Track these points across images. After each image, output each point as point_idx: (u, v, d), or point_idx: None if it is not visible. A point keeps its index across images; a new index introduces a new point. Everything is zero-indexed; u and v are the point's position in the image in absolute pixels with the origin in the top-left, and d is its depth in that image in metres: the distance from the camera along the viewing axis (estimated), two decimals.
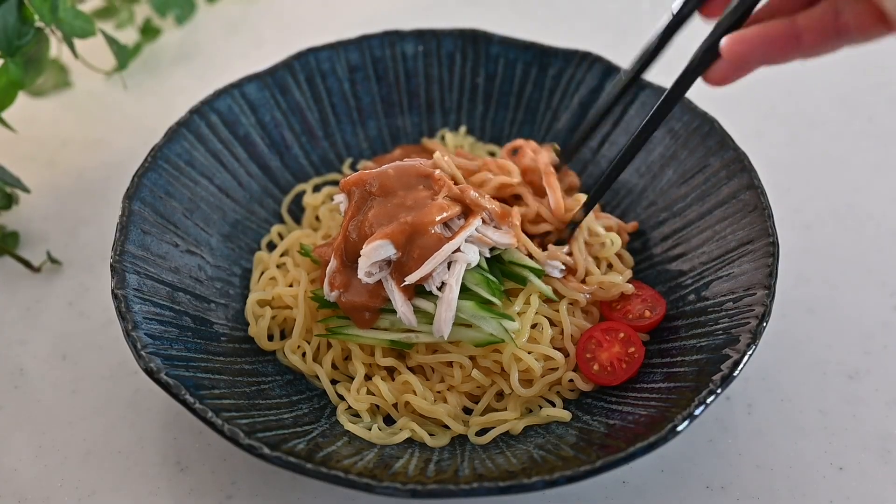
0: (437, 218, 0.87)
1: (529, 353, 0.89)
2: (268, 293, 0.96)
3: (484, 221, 0.91)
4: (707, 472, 0.87)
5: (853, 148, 1.20)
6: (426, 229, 0.86)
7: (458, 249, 0.87)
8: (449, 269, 0.88)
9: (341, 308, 0.90)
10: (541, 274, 0.92)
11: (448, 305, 0.86)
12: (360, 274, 0.87)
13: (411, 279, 0.86)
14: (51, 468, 0.89)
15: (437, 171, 0.91)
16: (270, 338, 0.95)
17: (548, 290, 0.92)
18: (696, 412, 0.78)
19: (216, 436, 0.88)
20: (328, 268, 0.90)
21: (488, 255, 0.91)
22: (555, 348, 0.91)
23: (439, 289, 0.87)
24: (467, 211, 0.90)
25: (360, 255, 0.87)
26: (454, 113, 1.14)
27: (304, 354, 0.93)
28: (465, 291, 0.88)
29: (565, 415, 0.88)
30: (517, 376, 0.88)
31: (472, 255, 0.88)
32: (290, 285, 0.98)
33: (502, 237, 0.91)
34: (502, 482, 0.75)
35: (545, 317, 0.92)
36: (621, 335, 0.90)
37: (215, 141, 1.03)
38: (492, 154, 1.12)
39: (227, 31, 1.43)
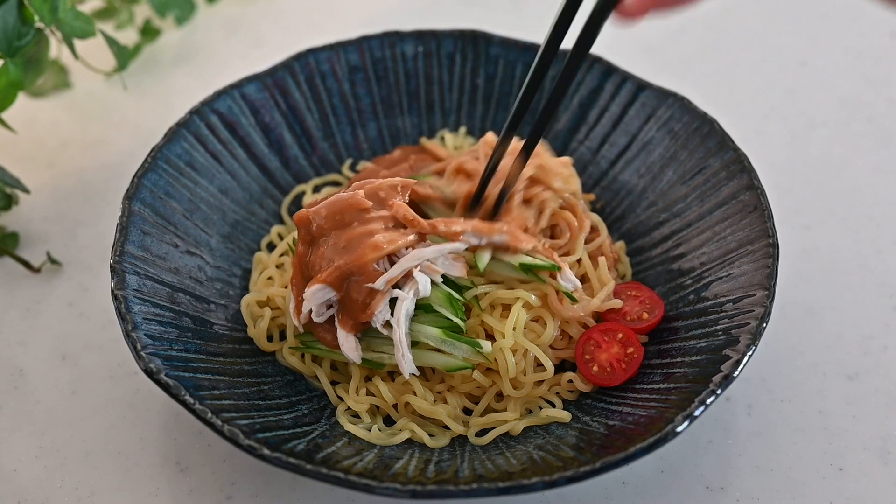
0: (370, 258, 0.85)
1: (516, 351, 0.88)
2: (262, 294, 0.96)
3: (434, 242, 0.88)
4: (707, 473, 0.87)
5: (853, 149, 1.20)
6: (362, 271, 0.85)
7: (397, 285, 0.85)
8: (393, 305, 0.86)
9: (311, 331, 0.90)
10: (555, 268, 0.90)
11: (400, 349, 0.85)
12: (305, 315, 0.87)
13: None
14: (50, 469, 0.89)
15: (369, 203, 0.88)
16: (270, 338, 0.95)
17: (535, 300, 0.90)
18: (696, 413, 0.78)
19: (216, 436, 0.88)
20: (291, 302, 0.89)
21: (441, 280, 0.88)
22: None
23: (383, 326, 0.85)
24: (418, 233, 0.88)
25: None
26: (454, 114, 1.14)
27: (302, 356, 0.93)
28: (429, 312, 0.87)
29: (565, 415, 0.88)
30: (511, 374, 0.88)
31: (422, 287, 0.85)
32: (287, 286, 0.98)
33: (453, 266, 0.88)
34: (502, 483, 0.75)
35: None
36: (620, 336, 0.90)
37: (215, 142, 1.03)
38: None
39: (226, 32, 1.43)
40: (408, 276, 0.86)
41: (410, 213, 0.89)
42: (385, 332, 0.86)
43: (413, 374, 0.87)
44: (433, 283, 0.87)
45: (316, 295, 0.86)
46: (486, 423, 0.88)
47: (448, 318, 0.86)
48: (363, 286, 0.85)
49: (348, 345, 0.86)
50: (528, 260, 0.89)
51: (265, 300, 0.96)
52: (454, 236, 0.88)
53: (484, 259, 0.89)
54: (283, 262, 1.00)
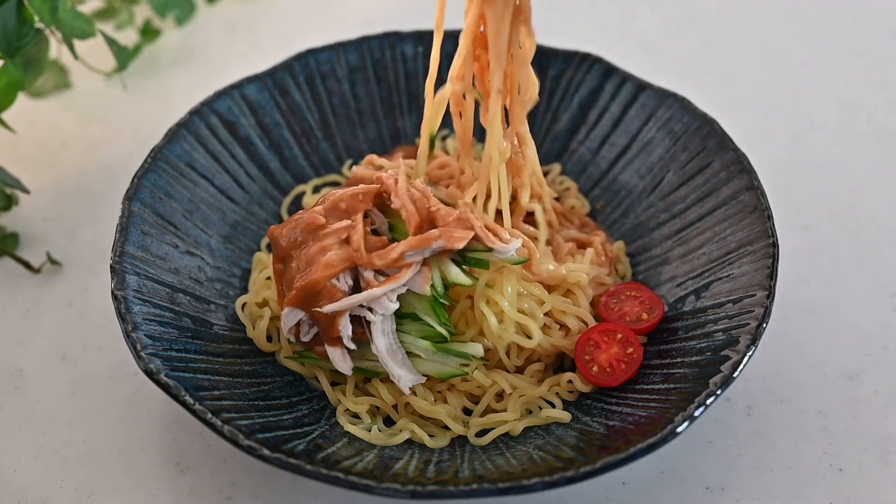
0: (323, 276, 0.84)
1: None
2: (258, 295, 0.96)
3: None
4: (707, 474, 0.87)
5: (853, 149, 1.20)
6: (318, 289, 0.84)
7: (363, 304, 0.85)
8: (366, 324, 0.86)
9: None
10: (485, 265, 0.87)
11: (389, 368, 0.85)
12: (290, 332, 0.88)
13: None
14: (50, 469, 0.89)
15: (323, 220, 0.87)
16: (269, 339, 0.95)
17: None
18: (696, 413, 0.78)
19: (216, 437, 0.88)
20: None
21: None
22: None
23: (352, 339, 0.85)
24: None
25: None
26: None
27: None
28: (416, 321, 0.87)
29: (565, 416, 0.88)
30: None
31: (386, 306, 0.85)
32: None
33: (414, 282, 0.86)
34: (502, 483, 0.75)
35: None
36: (619, 336, 0.90)
37: (215, 142, 1.03)
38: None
39: (226, 32, 1.43)
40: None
41: (357, 242, 0.86)
42: (352, 346, 0.86)
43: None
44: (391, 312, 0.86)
45: (288, 317, 0.87)
46: (486, 424, 0.88)
47: (434, 331, 0.86)
48: (322, 306, 0.84)
49: (336, 357, 0.86)
50: (459, 278, 0.86)
51: (261, 301, 0.96)
52: (394, 263, 0.85)
53: (456, 276, 0.87)
54: None
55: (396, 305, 0.85)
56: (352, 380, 0.90)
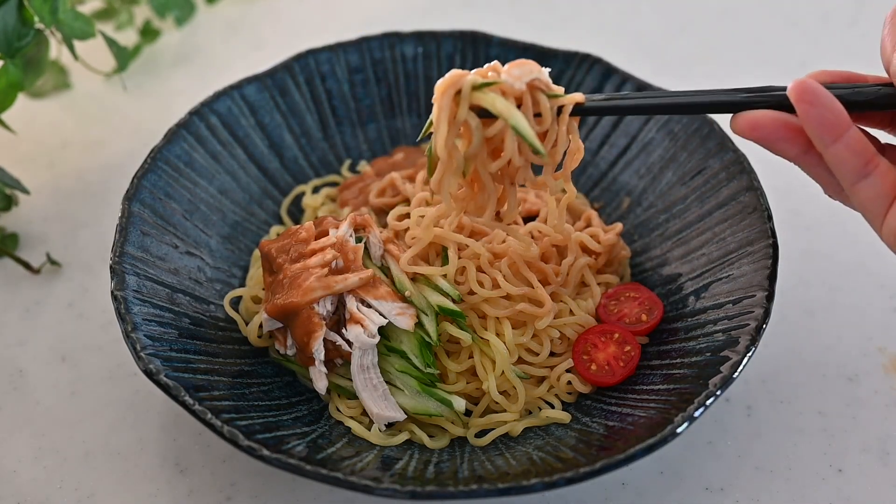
0: (303, 300, 0.85)
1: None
2: (254, 290, 0.96)
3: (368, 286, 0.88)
4: (706, 474, 0.87)
5: None
6: (298, 311, 0.85)
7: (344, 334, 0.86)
8: (335, 348, 0.87)
9: None
10: (460, 316, 0.88)
11: (364, 403, 0.86)
12: (274, 351, 0.91)
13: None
14: (50, 470, 0.89)
15: (313, 243, 0.89)
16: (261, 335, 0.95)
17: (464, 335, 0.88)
18: (696, 414, 0.78)
19: (216, 437, 0.88)
20: None
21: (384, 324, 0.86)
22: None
23: (324, 363, 0.86)
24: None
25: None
26: None
27: None
28: (404, 358, 0.87)
29: (564, 416, 0.88)
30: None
31: (363, 340, 0.85)
32: None
33: (398, 320, 0.87)
34: (501, 484, 0.75)
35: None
36: (616, 336, 0.90)
37: (215, 142, 1.03)
38: None
39: (226, 33, 1.43)
40: (354, 321, 0.85)
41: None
42: (324, 369, 0.86)
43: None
44: (372, 345, 0.87)
45: (266, 323, 0.89)
46: (486, 424, 0.88)
47: (419, 368, 0.87)
48: (299, 325, 0.85)
49: (314, 375, 0.87)
50: (406, 344, 0.88)
51: (256, 297, 0.96)
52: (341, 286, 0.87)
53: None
54: None
55: (375, 341, 0.86)
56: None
